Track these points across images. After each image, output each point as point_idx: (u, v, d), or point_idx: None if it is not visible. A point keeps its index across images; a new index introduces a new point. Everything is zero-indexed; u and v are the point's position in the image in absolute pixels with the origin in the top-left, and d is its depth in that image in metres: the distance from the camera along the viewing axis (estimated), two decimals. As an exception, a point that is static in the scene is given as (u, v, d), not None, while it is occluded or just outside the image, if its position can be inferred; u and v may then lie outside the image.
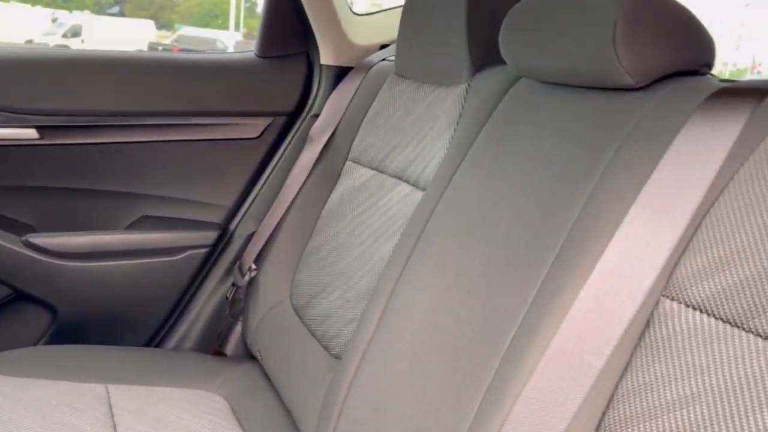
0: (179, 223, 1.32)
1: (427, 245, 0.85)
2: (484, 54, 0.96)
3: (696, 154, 0.60)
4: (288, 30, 1.33)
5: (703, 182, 0.59)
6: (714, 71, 0.74)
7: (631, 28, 0.65)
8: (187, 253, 1.31)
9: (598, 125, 0.71)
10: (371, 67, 1.26)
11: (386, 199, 1.06)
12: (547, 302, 0.64)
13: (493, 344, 0.68)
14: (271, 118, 1.34)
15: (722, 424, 0.52)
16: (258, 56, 1.35)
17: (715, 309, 0.55)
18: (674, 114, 0.64)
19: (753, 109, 0.59)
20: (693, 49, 0.70)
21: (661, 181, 0.61)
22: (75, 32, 11.21)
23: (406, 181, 1.03)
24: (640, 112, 0.67)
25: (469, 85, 0.97)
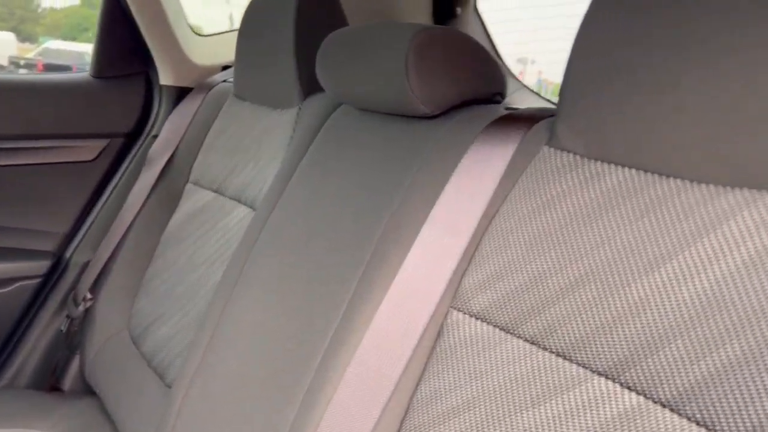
0: (8, 253, 1.24)
1: (253, 267, 0.86)
2: (314, 80, 0.99)
3: (476, 175, 0.65)
4: (125, 50, 1.29)
5: (482, 200, 0.64)
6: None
7: (422, 61, 0.70)
8: (18, 284, 1.23)
9: (403, 149, 0.75)
10: (212, 87, 1.25)
11: (224, 222, 1.05)
12: (353, 317, 0.67)
13: (306, 361, 0.70)
14: (108, 140, 1.29)
15: (497, 424, 0.56)
16: (94, 77, 1.30)
17: (492, 317, 0.60)
18: (462, 139, 0.69)
19: (523, 135, 0.65)
20: (483, 80, 0.76)
21: (448, 199, 0.66)
22: None
23: (244, 203, 1.03)
24: (436, 137, 0.72)
25: (300, 108, 0.99)
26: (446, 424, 0.59)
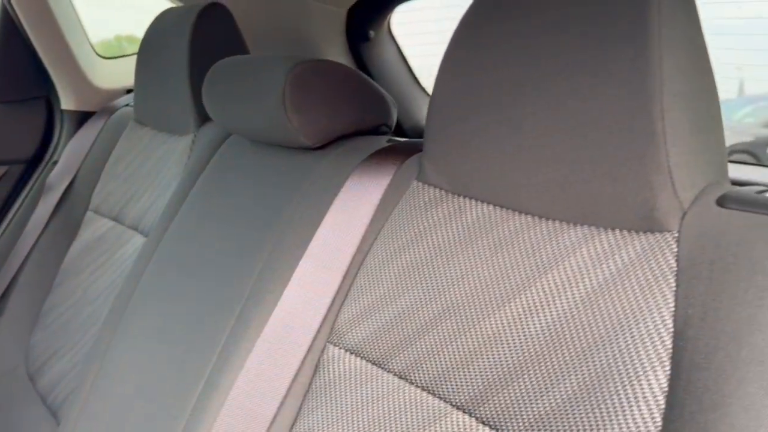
0: None
1: (139, 301, 0.84)
2: None
3: (352, 209, 0.65)
4: (24, 73, 1.25)
5: (356, 234, 0.64)
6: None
7: (299, 94, 0.70)
8: None
9: (286, 182, 0.75)
10: (115, 111, 1.22)
11: (122, 252, 1.03)
12: (228, 356, 0.66)
13: (182, 403, 0.68)
14: (7, 167, 1.24)
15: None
16: (-10, 101, 1.25)
17: (365, 351, 0.60)
18: (340, 172, 0.69)
19: (398, 168, 0.66)
20: (367, 111, 0.77)
21: (325, 233, 0.66)
22: None
23: (141, 232, 1.00)
24: (317, 170, 0.72)
25: (195, 135, 0.98)
26: None
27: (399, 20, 1.36)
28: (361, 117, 0.75)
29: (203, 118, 0.98)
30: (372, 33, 1.35)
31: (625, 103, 0.44)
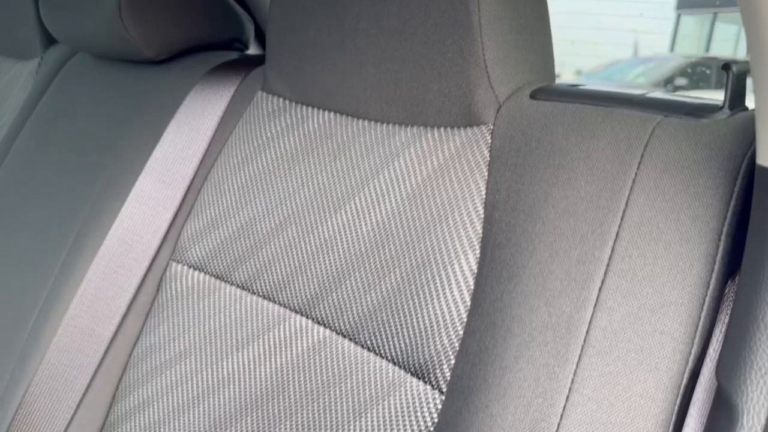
0: None
1: None
2: None
3: (193, 123, 0.63)
4: None
5: (199, 149, 0.62)
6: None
7: (135, 3, 0.66)
8: None
9: (127, 98, 0.71)
10: None
11: None
12: (65, 278, 0.63)
13: (18, 323, 0.65)
14: None
15: (206, 371, 0.55)
16: None
17: (208, 266, 0.59)
18: (182, 84, 0.66)
19: (242, 79, 0.64)
20: (216, 24, 0.74)
21: (165, 149, 0.63)
22: None
23: None
24: (159, 85, 0.69)
25: (42, 58, 0.91)
26: (159, 378, 0.58)
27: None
28: (208, 30, 0.72)
29: (50, 40, 0.91)
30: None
31: None
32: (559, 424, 0.32)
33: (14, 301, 0.67)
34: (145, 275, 0.61)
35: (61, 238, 0.66)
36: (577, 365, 0.33)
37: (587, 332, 0.33)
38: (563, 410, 0.32)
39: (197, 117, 0.63)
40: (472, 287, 0.42)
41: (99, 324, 0.60)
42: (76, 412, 0.59)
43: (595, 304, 0.33)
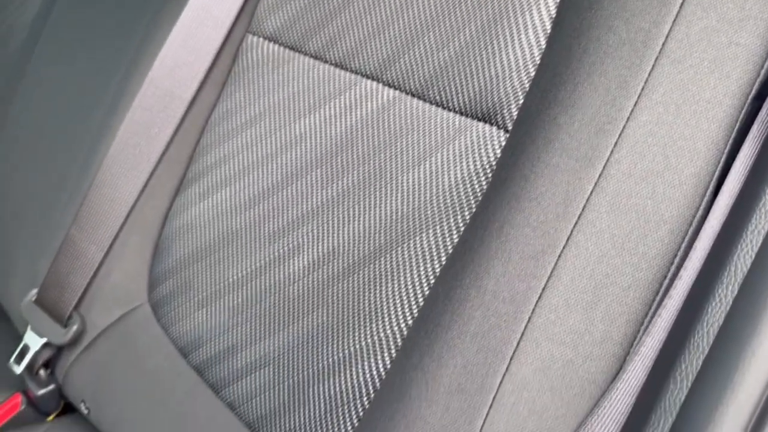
0: None
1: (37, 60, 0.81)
2: None
3: None
4: None
5: None
6: None
7: None
8: None
9: None
10: None
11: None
12: (144, 46, 0.66)
13: (106, 81, 0.69)
14: None
15: (276, 133, 0.59)
16: None
17: (283, 37, 0.61)
18: None
19: None
20: None
21: None
22: None
23: None
24: None
25: None
26: (234, 139, 0.62)
27: None
28: None
29: None
30: None
31: None
32: (624, 127, 0.34)
33: (98, 66, 0.71)
34: (222, 45, 0.64)
35: (141, 10, 0.69)
36: (649, 74, 0.34)
37: (663, 44, 0.34)
38: (630, 113, 0.34)
39: None
40: (549, 30, 0.43)
41: (178, 86, 0.64)
42: (157, 166, 0.64)
43: (675, 19, 0.34)
